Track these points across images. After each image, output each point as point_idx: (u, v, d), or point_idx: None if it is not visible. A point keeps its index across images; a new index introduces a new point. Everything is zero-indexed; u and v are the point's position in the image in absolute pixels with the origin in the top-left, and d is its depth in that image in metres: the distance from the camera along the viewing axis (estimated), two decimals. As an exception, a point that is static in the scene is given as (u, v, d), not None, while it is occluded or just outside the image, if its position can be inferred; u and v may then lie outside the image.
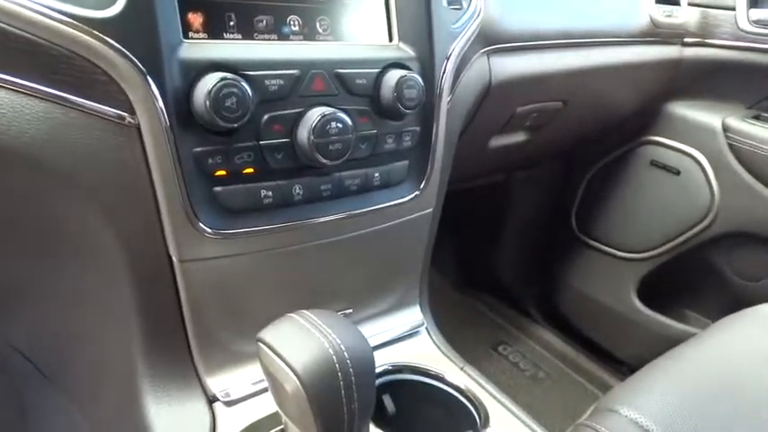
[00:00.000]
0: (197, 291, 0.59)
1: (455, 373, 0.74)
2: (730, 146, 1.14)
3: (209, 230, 0.54)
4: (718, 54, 1.12)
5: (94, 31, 0.44)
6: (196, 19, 0.50)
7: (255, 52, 0.52)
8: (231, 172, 0.53)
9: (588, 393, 1.35)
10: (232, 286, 0.62)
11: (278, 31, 0.55)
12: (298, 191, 0.57)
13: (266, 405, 0.64)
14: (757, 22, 1.06)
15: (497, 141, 1.03)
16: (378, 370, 0.69)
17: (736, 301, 1.10)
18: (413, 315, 0.83)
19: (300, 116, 0.54)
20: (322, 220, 0.61)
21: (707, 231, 1.20)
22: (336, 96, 0.56)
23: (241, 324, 0.64)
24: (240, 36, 0.52)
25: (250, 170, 0.54)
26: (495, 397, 0.71)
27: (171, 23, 0.48)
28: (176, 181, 0.51)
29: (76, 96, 0.47)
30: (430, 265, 0.87)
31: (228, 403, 0.64)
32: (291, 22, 0.55)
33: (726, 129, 1.14)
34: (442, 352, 0.79)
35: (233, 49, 0.51)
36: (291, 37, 0.55)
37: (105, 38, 0.44)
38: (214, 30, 0.51)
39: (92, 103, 0.48)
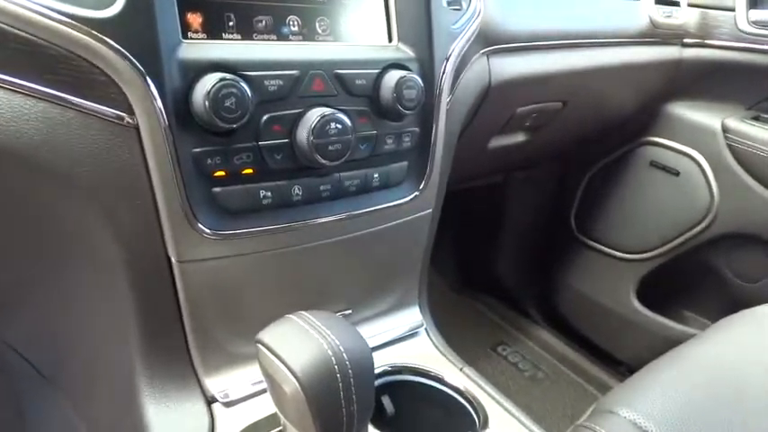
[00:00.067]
0: (196, 291, 0.59)
1: (454, 374, 0.74)
2: (729, 147, 1.14)
3: (207, 231, 0.54)
4: (718, 55, 1.12)
5: (93, 32, 0.44)
6: (195, 19, 0.50)
7: (255, 53, 0.52)
8: (230, 172, 0.53)
9: (587, 394, 1.35)
10: (231, 287, 0.61)
11: (277, 32, 0.54)
12: (297, 191, 0.57)
13: (265, 406, 0.64)
14: (757, 23, 1.06)
15: (497, 142, 1.03)
16: (377, 371, 0.69)
17: (735, 302, 1.10)
18: (412, 316, 0.83)
19: (300, 117, 0.54)
20: (321, 220, 0.61)
21: (706, 232, 1.20)
22: (336, 97, 0.56)
23: (240, 325, 0.64)
24: (239, 36, 0.52)
25: (249, 171, 0.54)
26: (494, 398, 0.71)
27: (170, 24, 0.48)
28: (175, 181, 0.51)
29: (75, 96, 0.47)
30: (429, 265, 0.87)
31: (227, 404, 0.64)
32: (291, 23, 0.55)
33: (725, 130, 1.14)
34: (441, 353, 0.79)
35: (232, 49, 0.51)
36: (291, 37, 0.55)
37: (104, 38, 0.44)
38: (213, 30, 0.51)
39: (90, 104, 0.47)
